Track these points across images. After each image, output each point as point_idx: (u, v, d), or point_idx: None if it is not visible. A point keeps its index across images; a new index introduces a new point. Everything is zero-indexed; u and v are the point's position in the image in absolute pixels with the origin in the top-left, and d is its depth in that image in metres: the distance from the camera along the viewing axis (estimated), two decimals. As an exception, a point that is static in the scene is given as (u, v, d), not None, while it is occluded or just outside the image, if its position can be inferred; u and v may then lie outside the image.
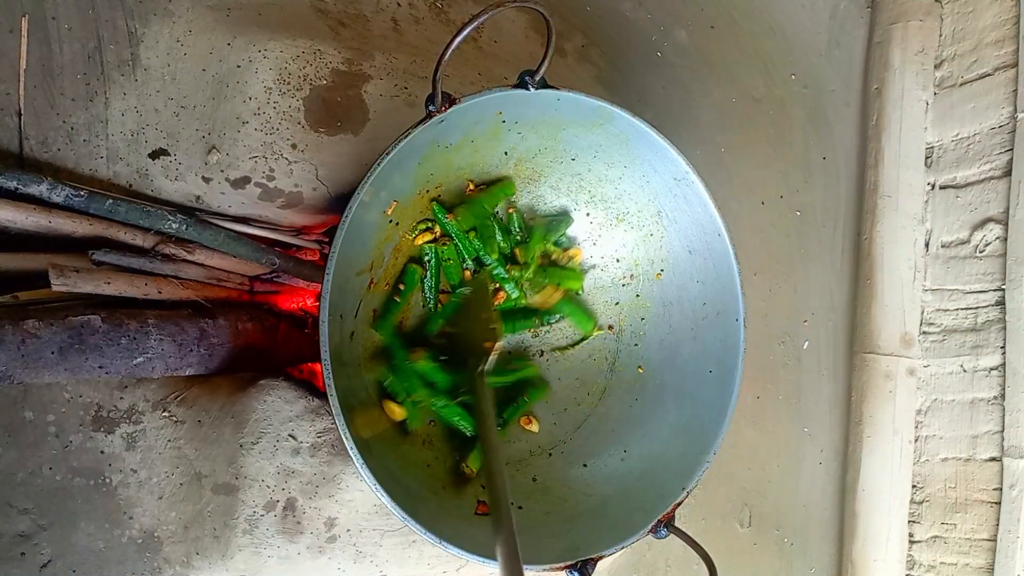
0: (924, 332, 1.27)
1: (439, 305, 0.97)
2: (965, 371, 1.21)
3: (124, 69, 0.91)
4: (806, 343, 1.33)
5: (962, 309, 1.22)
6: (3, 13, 0.86)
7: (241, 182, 0.94)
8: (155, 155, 0.92)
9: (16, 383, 0.80)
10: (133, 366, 0.86)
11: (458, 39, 0.68)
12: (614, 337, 1.03)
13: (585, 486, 0.93)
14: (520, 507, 0.89)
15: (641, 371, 1.00)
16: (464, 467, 0.92)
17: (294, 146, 0.94)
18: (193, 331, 0.90)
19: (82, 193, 0.85)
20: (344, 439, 0.73)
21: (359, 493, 0.92)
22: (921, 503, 1.25)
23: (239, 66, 0.93)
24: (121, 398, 0.90)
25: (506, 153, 0.93)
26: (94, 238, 0.88)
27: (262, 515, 0.89)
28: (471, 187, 0.96)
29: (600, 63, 1.26)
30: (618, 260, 1.01)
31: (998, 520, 1.14)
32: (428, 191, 0.93)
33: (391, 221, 0.90)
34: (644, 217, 0.97)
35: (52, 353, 0.81)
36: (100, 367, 0.84)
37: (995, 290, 1.18)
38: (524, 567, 0.77)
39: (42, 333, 0.80)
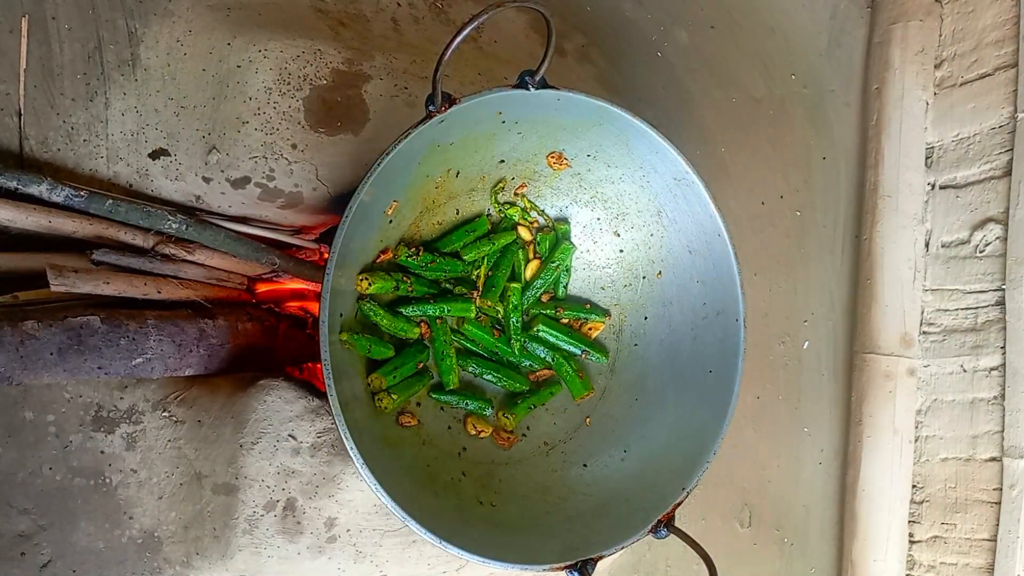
0: (924, 332, 1.27)
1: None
2: (965, 371, 1.21)
3: (124, 69, 0.91)
4: (806, 343, 1.33)
5: (962, 309, 1.22)
6: (3, 13, 0.86)
7: (241, 182, 0.94)
8: (155, 155, 0.92)
9: (15, 384, 0.80)
10: (132, 367, 0.86)
11: (458, 39, 0.68)
12: (614, 337, 1.03)
13: (585, 486, 0.93)
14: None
15: (641, 371, 1.00)
16: (504, 416, 0.96)
17: (294, 146, 0.94)
18: (193, 331, 0.90)
19: (82, 193, 0.85)
20: (344, 439, 0.73)
21: (359, 493, 0.92)
22: (921, 503, 1.25)
23: (239, 66, 0.93)
24: (121, 398, 0.90)
25: (505, 156, 0.93)
26: (94, 238, 0.88)
27: (262, 515, 0.89)
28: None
29: (600, 63, 1.26)
30: (618, 260, 1.01)
31: (998, 520, 1.14)
32: (428, 191, 0.93)
33: (391, 221, 0.90)
34: (644, 217, 0.97)
35: (51, 354, 0.80)
36: (99, 368, 0.84)
37: (995, 290, 1.18)
38: (525, 567, 0.77)
39: (41, 334, 0.80)
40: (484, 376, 0.98)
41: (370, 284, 0.89)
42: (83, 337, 0.82)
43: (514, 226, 1.00)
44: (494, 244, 0.98)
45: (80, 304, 0.86)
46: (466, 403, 0.97)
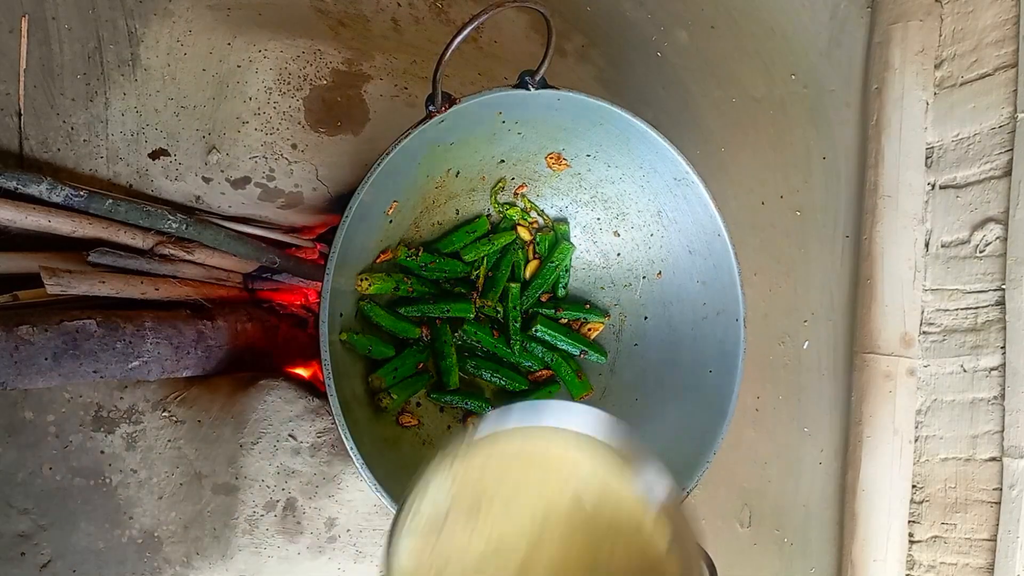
0: (924, 332, 1.26)
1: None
2: (965, 371, 1.21)
3: (124, 69, 0.91)
4: (806, 343, 1.32)
5: (962, 309, 1.22)
6: (3, 13, 0.86)
7: (241, 182, 0.94)
8: (155, 155, 0.92)
9: (9, 389, 0.79)
10: (128, 370, 0.85)
11: (458, 39, 0.68)
12: (614, 337, 1.03)
13: (585, 486, 0.93)
14: None
15: (641, 371, 0.99)
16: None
17: (294, 146, 0.94)
18: (191, 333, 0.90)
19: (82, 193, 0.85)
20: (344, 439, 0.73)
21: (359, 493, 0.92)
22: (921, 503, 1.25)
23: (239, 66, 0.93)
24: (121, 398, 0.90)
25: (505, 156, 0.93)
26: (94, 238, 0.88)
27: (262, 515, 0.89)
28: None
29: (600, 63, 1.26)
30: (618, 260, 1.01)
31: (998, 520, 1.14)
32: (428, 191, 0.93)
33: (391, 221, 0.90)
34: (644, 217, 0.97)
35: (46, 359, 0.80)
36: (95, 372, 0.83)
37: (995, 290, 1.18)
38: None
39: (36, 339, 0.79)
40: (484, 376, 0.98)
41: (370, 284, 0.89)
42: (79, 341, 0.82)
43: (514, 226, 1.00)
44: (494, 244, 0.98)
45: (78, 305, 0.86)
46: (466, 403, 0.97)
